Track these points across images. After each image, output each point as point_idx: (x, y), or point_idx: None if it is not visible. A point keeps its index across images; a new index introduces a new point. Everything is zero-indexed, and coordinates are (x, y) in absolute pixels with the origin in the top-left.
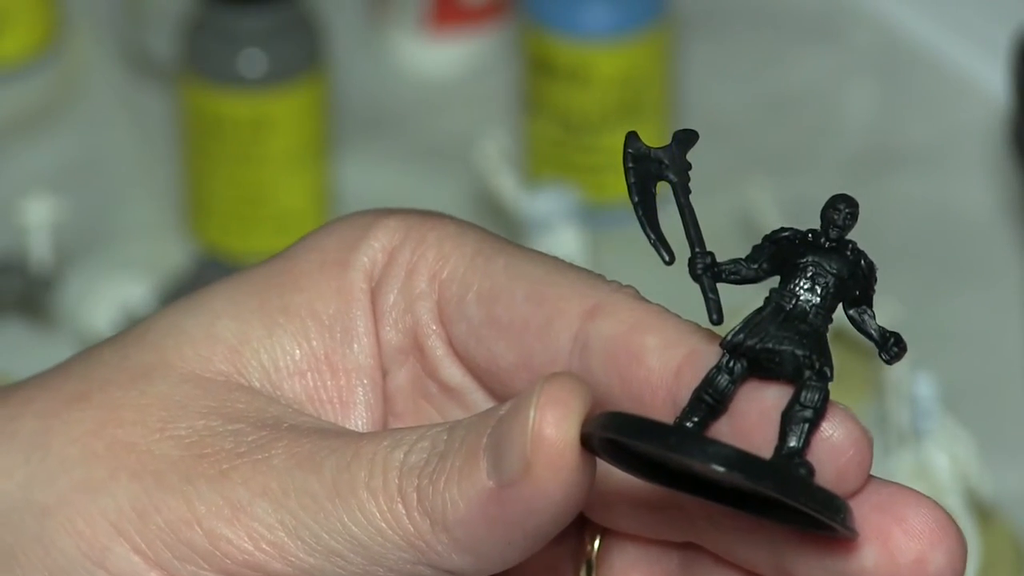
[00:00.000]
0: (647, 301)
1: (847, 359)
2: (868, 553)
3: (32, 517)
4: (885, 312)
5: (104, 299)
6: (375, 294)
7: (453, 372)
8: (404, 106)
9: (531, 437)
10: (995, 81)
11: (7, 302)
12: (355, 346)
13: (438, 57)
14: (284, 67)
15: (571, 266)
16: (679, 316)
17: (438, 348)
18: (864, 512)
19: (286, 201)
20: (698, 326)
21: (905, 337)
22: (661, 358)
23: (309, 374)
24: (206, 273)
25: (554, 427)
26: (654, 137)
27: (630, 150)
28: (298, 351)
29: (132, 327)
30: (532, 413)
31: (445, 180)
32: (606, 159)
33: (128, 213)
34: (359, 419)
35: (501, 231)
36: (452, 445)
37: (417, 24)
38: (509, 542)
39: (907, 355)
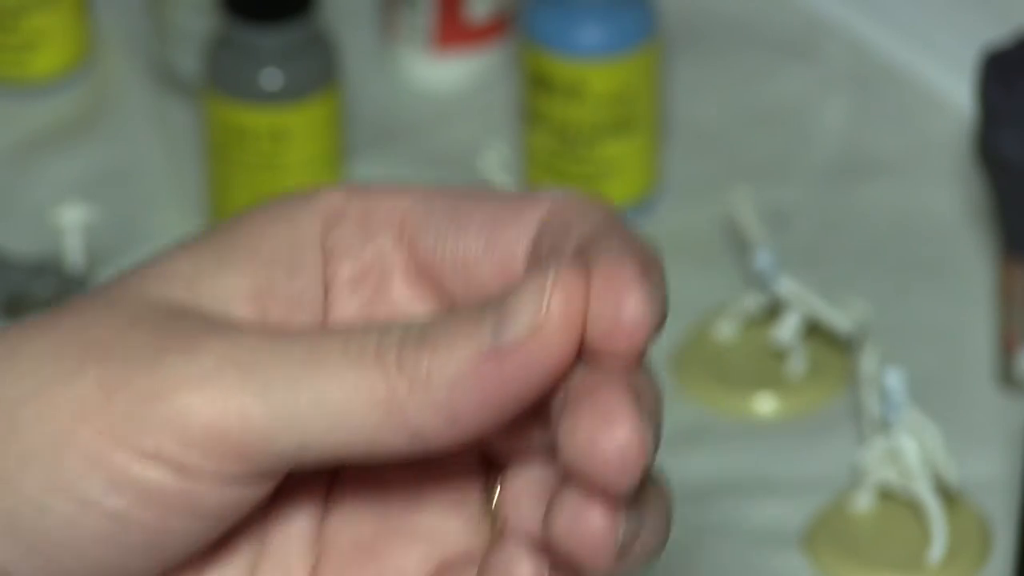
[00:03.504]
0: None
1: (824, 354)
2: None
3: (4, 412)
4: (856, 312)
5: None
6: (326, 234)
7: (405, 295)
8: (412, 118)
9: (547, 299)
10: (962, 95)
11: (42, 301)
12: (300, 279)
13: (444, 73)
14: (301, 82)
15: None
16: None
17: (395, 276)
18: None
19: None
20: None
21: (877, 333)
22: None
23: (256, 301)
24: None
25: (568, 295)
26: (646, 148)
27: None
28: (245, 282)
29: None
30: (550, 280)
31: None
32: (599, 168)
33: (156, 218)
34: None
35: None
36: (436, 321)
37: (425, 42)
38: (491, 404)
39: (878, 350)
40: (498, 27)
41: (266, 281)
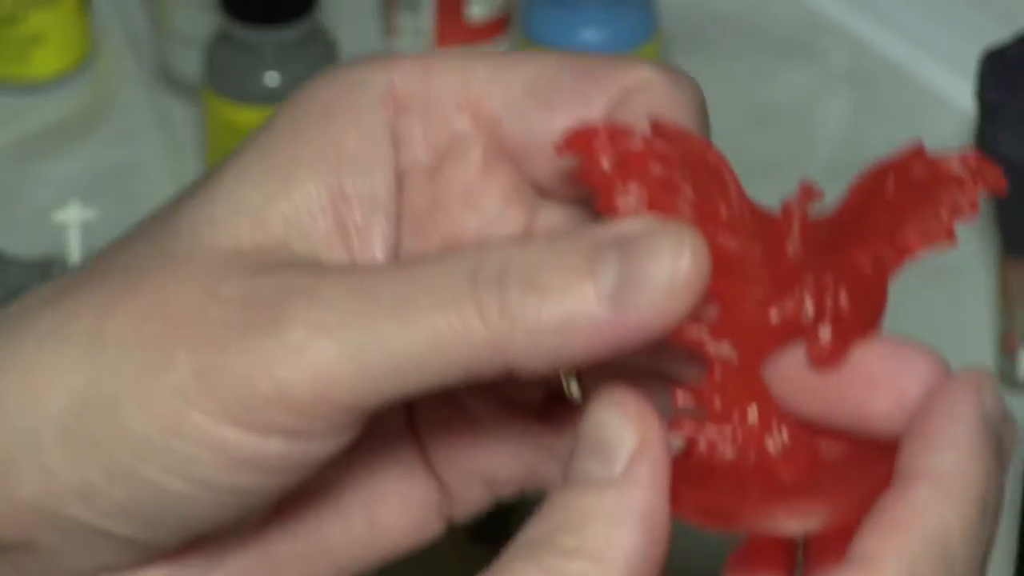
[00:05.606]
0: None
1: None
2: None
3: (105, 407)
4: None
5: None
6: (394, 122)
7: (484, 181)
8: None
9: (683, 261)
10: (962, 95)
11: None
12: (372, 175)
13: None
14: (301, 82)
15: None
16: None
17: (473, 161)
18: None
19: None
20: None
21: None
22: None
23: (332, 208)
24: None
25: (695, 265)
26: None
27: None
28: (318, 192)
29: (157, 217)
30: (684, 258)
31: None
32: None
33: None
34: (379, 247)
35: None
36: (541, 257)
37: (424, 42)
38: (598, 352)
39: None
40: (498, 27)
41: (337, 185)
